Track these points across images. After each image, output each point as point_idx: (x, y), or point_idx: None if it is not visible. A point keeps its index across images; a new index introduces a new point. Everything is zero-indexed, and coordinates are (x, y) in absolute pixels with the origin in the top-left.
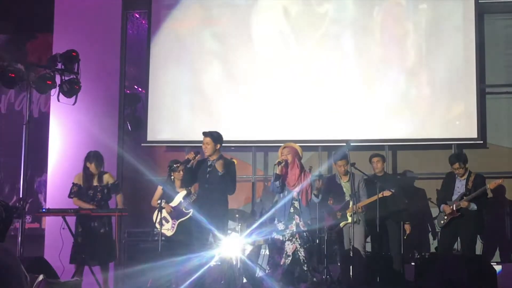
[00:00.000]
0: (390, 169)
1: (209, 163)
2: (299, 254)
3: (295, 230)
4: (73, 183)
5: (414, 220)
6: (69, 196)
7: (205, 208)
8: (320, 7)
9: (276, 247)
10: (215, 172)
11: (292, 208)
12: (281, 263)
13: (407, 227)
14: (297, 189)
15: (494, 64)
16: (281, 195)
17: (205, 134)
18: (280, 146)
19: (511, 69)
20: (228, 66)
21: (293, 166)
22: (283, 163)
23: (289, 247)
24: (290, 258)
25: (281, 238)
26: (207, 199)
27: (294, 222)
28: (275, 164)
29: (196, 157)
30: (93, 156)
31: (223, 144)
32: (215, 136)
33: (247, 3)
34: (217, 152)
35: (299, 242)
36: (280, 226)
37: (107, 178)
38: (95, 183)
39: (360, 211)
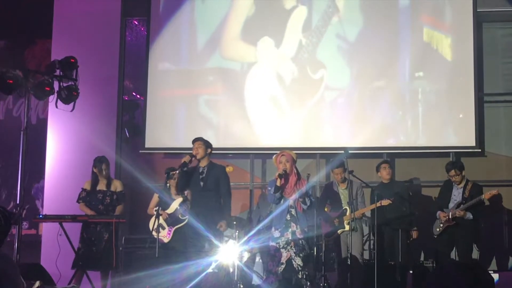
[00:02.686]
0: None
1: (200, 170)
2: (294, 262)
3: (290, 238)
4: (82, 188)
5: (412, 228)
6: (77, 201)
7: (201, 215)
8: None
9: (271, 255)
10: (209, 180)
11: (289, 216)
12: (274, 271)
13: (414, 233)
14: (293, 196)
15: (492, 72)
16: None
17: (197, 139)
18: (276, 153)
19: (509, 77)
20: (227, 80)
21: (291, 174)
22: (284, 174)
23: (283, 255)
24: (283, 266)
25: (276, 245)
26: (202, 207)
27: (290, 230)
28: (277, 178)
29: (192, 159)
30: (97, 160)
31: (222, 152)
32: (205, 141)
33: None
34: (207, 157)
35: (294, 250)
36: (276, 234)
37: (116, 185)
38: (104, 187)
39: (359, 217)
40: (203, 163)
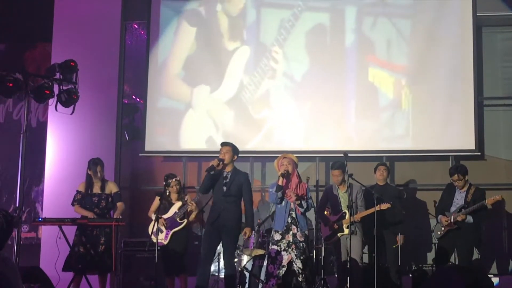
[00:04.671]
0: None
1: (224, 175)
2: (295, 264)
3: (291, 241)
4: (77, 190)
5: (411, 232)
6: (72, 204)
7: (223, 219)
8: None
9: (271, 257)
10: (232, 185)
11: (289, 218)
12: (275, 274)
13: (400, 238)
14: (293, 199)
15: (492, 76)
16: (278, 205)
17: (225, 143)
18: (277, 156)
19: (508, 81)
20: (224, 77)
21: (292, 177)
22: (286, 174)
23: (284, 258)
24: (284, 269)
25: (276, 248)
26: (223, 210)
27: (291, 232)
28: (279, 176)
29: (220, 164)
30: (91, 163)
31: (218, 155)
32: (234, 147)
33: None
34: (232, 163)
35: (295, 253)
36: (277, 236)
37: (111, 187)
38: (99, 190)
39: (357, 221)
40: (228, 168)
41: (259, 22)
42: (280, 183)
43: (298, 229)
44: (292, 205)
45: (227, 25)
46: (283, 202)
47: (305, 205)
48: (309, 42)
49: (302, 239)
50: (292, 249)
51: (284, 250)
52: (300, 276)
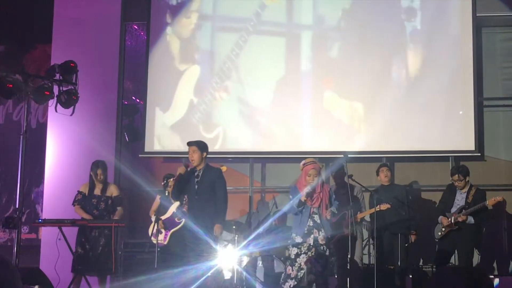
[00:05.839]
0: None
1: (196, 173)
2: (314, 267)
3: (312, 244)
4: (78, 191)
5: (410, 232)
6: (73, 204)
7: (196, 219)
8: None
9: (290, 259)
10: (204, 183)
11: (311, 222)
12: (293, 276)
13: (413, 237)
14: (316, 204)
15: (492, 77)
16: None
17: (191, 143)
18: (277, 157)
19: (508, 82)
20: (225, 78)
21: (317, 186)
22: (312, 191)
23: (303, 260)
24: (303, 271)
25: (296, 250)
26: (198, 211)
27: (312, 236)
28: (304, 199)
29: (188, 169)
30: (93, 165)
31: (221, 156)
32: (201, 145)
33: None
34: (203, 161)
35: (314, 256)
36: (297, 239)
37: (112, 190)
38: (99, 192)
39: (358, 222)
40: (199, 166)
41: (212, 43)
42: (303, 199)
43: (321, 232)
44: (314, 209)
45: (178, 47)
46: (303, 209)
47: (335, 210)
48: (262, 65)
49: (323, 242)
50: (312, 252)
51: (304, 253)
52: (317, 278)
